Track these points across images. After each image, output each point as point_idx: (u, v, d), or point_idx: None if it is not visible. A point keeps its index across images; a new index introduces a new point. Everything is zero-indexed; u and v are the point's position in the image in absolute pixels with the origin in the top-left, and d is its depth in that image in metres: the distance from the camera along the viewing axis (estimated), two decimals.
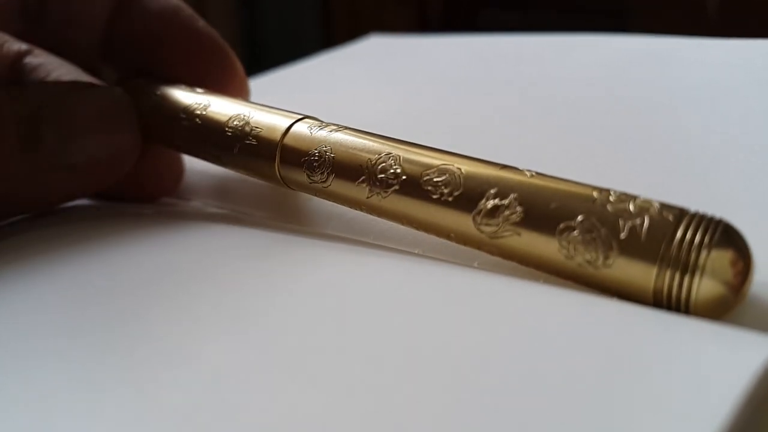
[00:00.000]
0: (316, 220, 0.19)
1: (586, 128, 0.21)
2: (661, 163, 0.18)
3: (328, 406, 0.10)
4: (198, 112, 0.18)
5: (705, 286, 0.11)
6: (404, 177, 0.15)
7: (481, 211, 0.13)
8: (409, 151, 0.15)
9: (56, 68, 0.20)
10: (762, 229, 0.12)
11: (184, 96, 0.19)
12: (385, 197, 0.15)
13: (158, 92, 0.20)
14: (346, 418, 0.10)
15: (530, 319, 0.12)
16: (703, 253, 0.11)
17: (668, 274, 0.12)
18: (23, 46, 0.20)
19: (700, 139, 0.18)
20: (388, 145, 0.15)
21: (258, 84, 0.22)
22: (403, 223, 0.15)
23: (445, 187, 0.14)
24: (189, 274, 0.15)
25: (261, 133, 0.17)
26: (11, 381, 0.12)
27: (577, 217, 0.12)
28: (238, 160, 0.18)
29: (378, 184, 0.15)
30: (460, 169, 0.14)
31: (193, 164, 0.22)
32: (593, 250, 0.12)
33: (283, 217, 0.20)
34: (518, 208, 0.13)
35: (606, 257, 0.12)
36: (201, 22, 0.21)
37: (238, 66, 0.21)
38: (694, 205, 0.12)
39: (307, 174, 0.16)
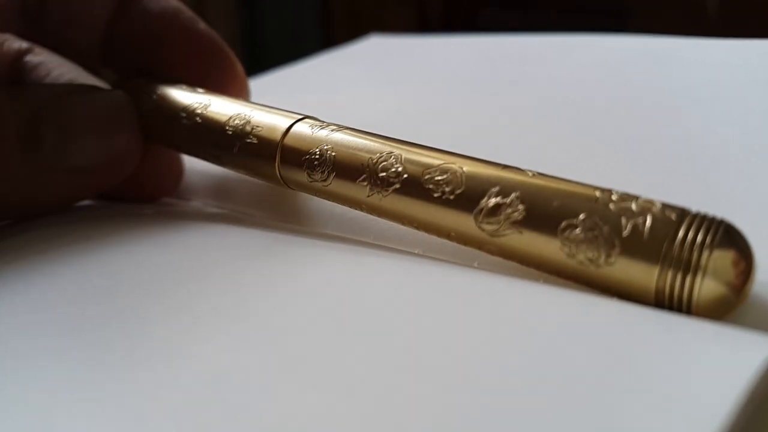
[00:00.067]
0: (316, 220, 0.19)
1: (586, 128, 0.21)
2: (661, 163, 0.18)
3: (328, 407, 0.10)
4: (198, 111, 0.18)
5: (707, 286, 0.11)
6: (405, 176, 0.15)
7: (482, 209, 0.13)
8: (411, 150, 0.15)
9: (56, 67, 0.20)
10: (762, 229, 0.12)
11: (184, 96, 0.19)
12: (386, 196, 0.15)
13: (158, 92, 0.20)
14: (346, 418, 0.10)
15: (530, 318, 0.12)
16: (705, 253, 0.11)
17: (670, 273, 0.12)
18: (24, 45, 0.20)
19: (700, 139, 0.18)
20: (389, 144, 0.15)
21: (258, 84, 0.22)
22: (403, 223, 0.15)
23: (447, 186, 0.14)
24: (189, 274, 0.15)
25: (261, 133, 0.17)
26: (11, 380, 0.12)
27: (579, 215, 0.12)
28: (238, 159, 0.18)
29: (379, 182, 0.15)
30: (461, 168, 0.14)
31: (193, 164, 0.22)
32: (595, 249, 0.12)
33: (283, 217, 0.20)
34: (520, 207, 0.13)
35: (608, 255, 0.12)
36: (201, 24, 0.21)
37: (239, 67, 0.21)
38: (694, 205, 0.12)
39: (307, 173, 0.16)
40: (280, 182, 0.17)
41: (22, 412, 0.11)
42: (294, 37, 1.16)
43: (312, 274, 0.14)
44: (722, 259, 0.11)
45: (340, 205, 0.16)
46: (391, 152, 0.15)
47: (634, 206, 0.12)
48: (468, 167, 0.14)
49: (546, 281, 0.13)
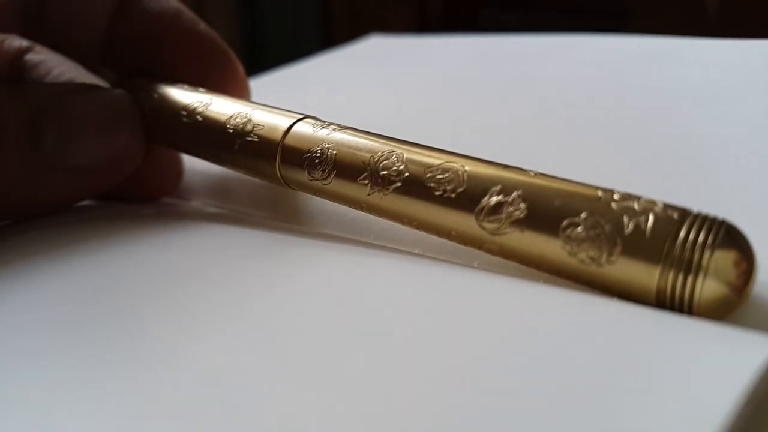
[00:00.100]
0: (315, 220, 0.19)
1: (585, 128, 0.21)
2: (661, 163, 0.18)
3: (327, 407, 0.10)
4: (199, 110, 0.18)
5: (708, 287, 0.11)
6: (407, 174, 0.14)
7: (483, 208, 0.13)
8: (412, 150, 0.15)
9: (57, 65, 0.20)
10: (762, 229, 0.12)
11: (185, 95, 0.19)
12: (387, 194, 0.15)
13: (158, 91, 0.20)
14: (346, 419, 0.10)
15: (530, 318, 0.12)
16: (707, 254, 0.11)
17: (671, 273, 0.11)
18: (24, 43, 0.20)
19: (700, 139, 0.18)
20: (390, 144, 0.15)
21: (258, 84, 0.22)
22: (403, 223, 0.15)
23: (448, 184, 0.14)
24: (189, 274, 0.15)
25: (262, 131, 0.17)
26: (11, 379, 0.12)
27: (581, 214, 0.12)
28: (238, 158, 0.18)
29: (380, 181, 0.15)
30: (463, 167, 0.14)
31: (193, 164, 0.22)
32: (597, 247, 0.12)
33: (282, 217, 0.20)
34: (522, 205, 0.13)
35: (610, 254, 0.12)
36: (202, 24, 0.21)
37: (239, 68, 0.21)
38: (694, 205, 0.12)
39: (307, 171, 0.16)
40: (280, 181, 0.17)
41: (22, 410, 0.11)
42: (294, 37, 1.16)
43: (311, 273, 0.14)
44: (724, 259, 0.11)
45: (339, 206, 0.16)
46: (393, 151, 0.15)
47: (636, 206, 0.12)
48: (470, 166, 0.14)
49: (546, 281, 0.13)
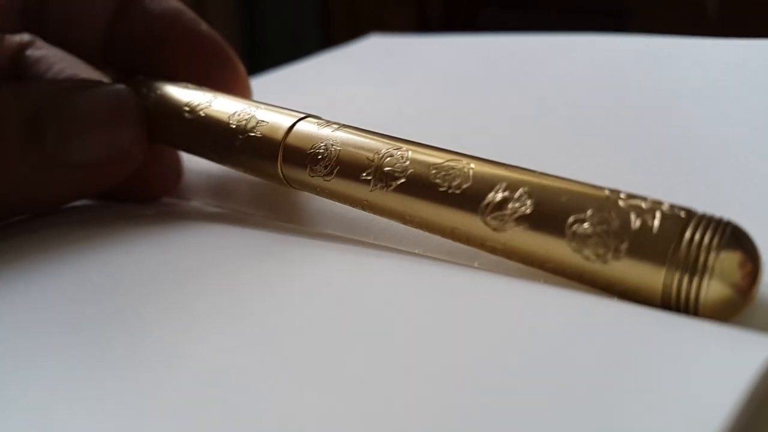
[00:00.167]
0: (316, 220, 0.19)
1: (585, 128, 0.21)
2: (661, 163, 0.18)
3: (327, 407, 0.10)
4: (202, 106, 0.18)
5: (714, 288, 0.11)
6: (411, 170, 0.14)
7: (489, 204, 0.13)
8: (417, 149, 0.15)
9: (58, 61, 0.20)
10: (762, 229, 0.12)
11: (187, 92, 0.19)
12: (390, 191, 0.15)
13: (160, 89, 0.20)
14: (345, 419, 0.10)
15: (530, 318, 0.12)
16: (713, 255, 0.11)
17: (677, 274, 0.11)
18: (25, 38, 0.20)
19: (700, 139, 0.18)
20: (395, 142, 0.15)
21: (258, 84, 0.22)
22: (405, 220, 0.15)
23: (453, 181, 0.14)
24: (189, 274, 0.15)
25: (265, 128, 0.17)
26: (11, 379, 0.12)
27: (587, 210, 0.12)
28: (239, 156, 0.18)
29: (384, 177, 0.15)
30: (469, 164, 0.14)
31: (193, 164, 0.22)
32: (603, 244, 0.12)
33: (283, 216, 0.20)
34: (528, 201, 0.13)
35: (616, 251, 0.12)
36: (203, 24, 0.21)
37: (241, 68, 0.21)
38: (693, 205, 0.12)
39: (309, 168, 0.16)
40: (281, 179, 0.17)
41: (22, 410, 0.11)
42: (294, 37, 1.16)
43: (311, 273, 0.14)
44: (729, 260, 0.11)
45: (340, 205, 0.16)
46: (399, 148, 0.15)
47: (643, 205, 0.12)
48: (475, 164, 0.14)
49: (547, 281, 0.13)
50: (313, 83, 0.31)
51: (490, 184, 0.13)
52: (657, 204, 0.12)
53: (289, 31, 1.17)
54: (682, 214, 0.12)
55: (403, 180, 0.14)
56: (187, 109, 0.19)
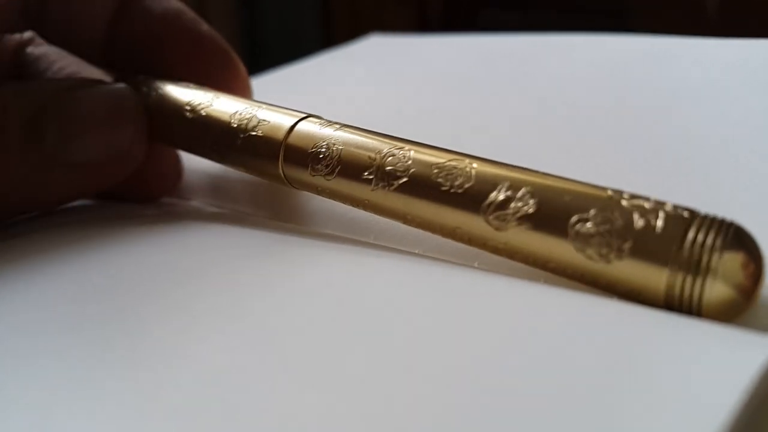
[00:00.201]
0: (316, 219, 0.19)
1: (585, 128, 0.21)
2: (661, 163, 0.18)
3: (327, 407, 0.10)
4: (204, 105, 0.18)
5: (716, 289, 0.11)
6: (413, 170, 0.14)
7: (491, 203, 0.13)
8: (420, 148, 0.15)
9: (59, 59, 0.20)
10: (763, 229, 0.12)
11: (188, 91, 0.19)
12: (392, 190, 0.15)
13: (161, 88, 0.20)
14: (346, 419, 0.10)
15: (530, 318, 0.12)
16: (715, 255, 0.11)
17: (680, 275, 0.11)
18: (25, 35, 0.20)
19: (700, 139, 0.18)
20: (397, 142, 0.15)
21: (258, 84, 0.22)
22: (407, 220, 0.15)
23: (456, 180, 0.14)
24: (189, 274, 0.15)
25: (267, 127, 0.17)
26: (11, 380, 0.12)
27: (590, 210, 0.12)
28: (240, 154, 0.17)
29: (385, 176, 0.15)
30: (472, 164, 0.14)
31: (193, 164, 0.22)
32: (606, 243, 0.12)
33: (283, 216, 0.20)
34: (531, 201, 0.13)
35: (619, 250, 0.12)
36: (203, 24, 0.21)
37: (241, 68, 0.21)
38: (693, 205, 0.12)
39: (311, 167, 0.16)
40: (282, 179, 0.17)
41: (22, 410, 0.11)
42: (294, 37, 1.16)
43: (311, 273, 0.14)
44: (732, 261, 0.11)
45: (340, 205, 0.16)
46: (401, 148, 0.15)
47: (646, 205, 0.12)
48: (478, 164, 0.14)
49: (547, 282, 0.13)
50: (313, 83, 0.31)
51: (492, 184, 0.13)
52: (660, 204, 0.12)
53: (289, 31, 1.17)
54: (686, 214, 0.12)
55: (405, 179, 0.14)
56: (188, 108, 0.18)
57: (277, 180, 0.17)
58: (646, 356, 0.10)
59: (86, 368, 0.12)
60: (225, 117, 0.18)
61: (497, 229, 0.13)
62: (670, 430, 0.09)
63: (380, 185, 0.15)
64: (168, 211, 0.21)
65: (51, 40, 0.21)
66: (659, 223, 0.12)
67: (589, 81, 0.24)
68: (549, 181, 0.13)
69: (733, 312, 0.11)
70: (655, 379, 0.10)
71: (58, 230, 0.18)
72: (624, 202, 0.12)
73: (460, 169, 0.14)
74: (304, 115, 0.17)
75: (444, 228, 0.14)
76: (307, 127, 0.17)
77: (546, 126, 0.21)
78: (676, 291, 0.12)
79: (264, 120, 0.17)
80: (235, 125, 0.17)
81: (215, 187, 0.22)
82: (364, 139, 0.15)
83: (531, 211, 0.13)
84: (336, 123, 0.16)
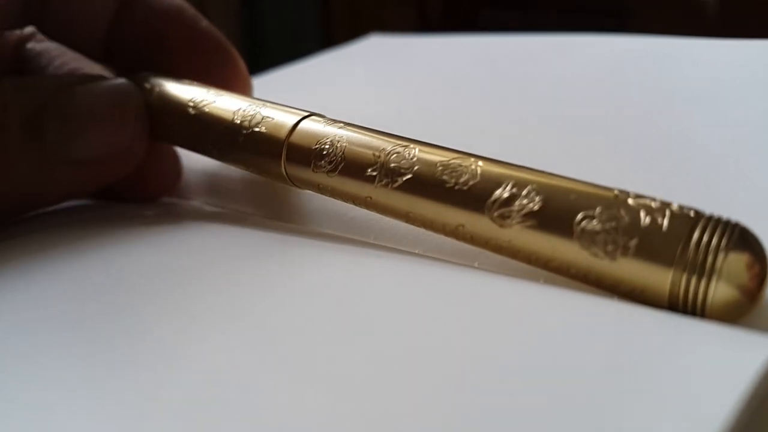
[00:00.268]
0: (316, 219, 0.19)
1: (585, 128, 0.21)
2: (661, 162, 0.18)
3: (327, 407, 0.10)
4: (207, 102, 0.18)
5: (721, 290, 0.11)
6: (418, 167, 0.14)
7: (496, 200, 0.13)
8: (425, 147, 0.15)
9: (60, 55, 0.20)
10: (763, 229, 0.12)
11: (191, 89, 0.19)
12: (395, 187, 0.14)
13: (162, 85, 0.20)
14: (345, 419, 0.10)
15: (531, 318, 0.12)
16: (720, 256, 0.11)
17: (685, 275, 0.11)
18: (26, 31, 0.20)
19: (700, 139, 0.18)
20: (402, 140, 0.15)
21: (258, 83, 0.23)
22: (409, 218, 0.15)
23: (461, 177, 0.14)
24: (189, 273, 0.15)
25: (270, 123, 0.17)
26: (11, 379, 0.12)
27: (596, 208, 0.12)
28: (243, 152, 0.17)
29: (389, 173, 0.15)
30: (476, 162, 0.14)
31: (193, 163, 0.22)
32: (612, 241, 0.12)
33: (282, 216, 0.20)
34: (536, 198, 0.13)
35: (625, 247, 0.12)
36: (204, 22, 0.21)
37: (242, 65, 0.21)
38: (694, 205, 0.12)
39: (314, 164, 0.16)
40: (284, 176, 0.17)
41: (22, 410, 0.11)
42: (294, 37, 1.16)
43: (311, 273, 0.14)
44: (737, 262, 0.11)
45: (340, 206, 0.16)
46: (405, 146, 0.15)
47: (652, 204, 0.12)
48: (483, 163, 0.14)
49: (547, 282, 0.13)
50: (313, 83, 0.31)
51: (497, 182, 0.13)
52: (666, 204, 0.12)
53: (289, 31, 1.17)
54: (692, 213, 0.12)
55: (409, 176, 0.14)
56: (191, 104, 0.18)
57: (279, 177, 0.17)
58: (646, 356, 0.10)
59: (86, 367, 0.12)
60: (228, 114, 0.18)
61: (501, 226, 0.13)
62: (671, 429, 0.09)
63: (384, 182, 0.15)
64: (168, 211, 0.21)
65: (52, 36, 0.21)
66: (665, 221, 0.12)
67: (589, 81, 0.24)
68: (555, 181, 0.13)
69: (737, 312, 0.11)
70: (655, 378, 0.10)
71: (58, 230, 0.18)
72: (630, 201, 0.12)
73: (465, 166, 0.14)
74: (308, 114, 0.17)
75: (447, 226, 0.14)
76: (311, 124, 0.16)
77: (546, 126, 0.21)
78: (681, 291, 0.12)
79: (267, 117, 0.17)
80: (238, 122, 0.17)
81: (215, 187, 0.22)
82: (368, 136, 0.15)
83: (536, 208, 0.13)
84: (340, 121, 0.16)
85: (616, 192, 0.12)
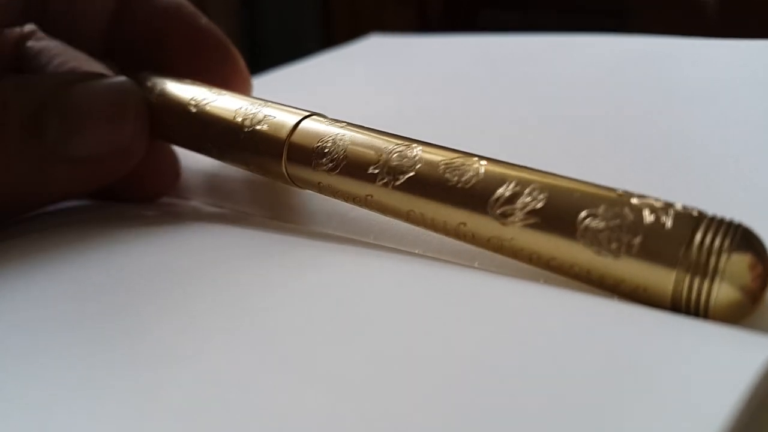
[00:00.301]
0: (316, 219, 0.19)
1: (585, 128, 0.21)
2: (661, 163, 0.18)
3: (327, 407, 0.10)
4: (208, 100, 0.18)
5: (724, 290, 0.11)
6: (420, 165, 0.14)
7: (499, 198, 0.13)
8: (427, 146, 0.15)
9: (60, 53, 0.20)
10: (762, 229, 0.12)
11: (192, 88, 0.19)
12: (397, 185, 0.14)
13: (163, 84, 0.20)
14: (345, 419, 0.10)
15: (531, 318, 0.12)
16: (723, 256, 0.11)
17: (688, 275, 0.11)
18: (26, 29, 0.20)
19: (700, 139, 0.18)
20: (403, 140, 0.15)
21: (258, 83, 0.23)
22: (410, 217, 0.15)
23: (464, 175, 0.14)
24: (189, 273, 0.15)
25: (272, 122, 0.17)
26: (11, 379, 0.12)
27: (600, 206, 0.12)
28: (243, 152, 0.17)
29: (391, 171, 0.15)
30: (480, 161, 0.14)
31: (193, 163, 0.22)
32: (616, 239, 0.12)
33: (283, 216, 0.20)
34: (540, 196, 0.13)
35: (629, 245, 0.12)
36: (204, 19, 0.21)
37: (241, 63, 0.21)
38: (693, 205, 0.12)
39: (315, 162, 0.16)
40: (285, 176, 0.17)
41: (22, 410, 0.11)
42: (294, 37, 1.16)
43: (312, 274, 0.14)
44: (740, 262, 0.11)
45: (340, 206, 0.16)
46: (408, 146, 0.15)
47: (656, 203, 0.12)
48: (486, 162, 0.14)
49: (547, 282, 0.13)
50: (314, 83, 0.31)
51: (500, 180, 0.13)
52: (669, 204, 0.12)
53: (289, 31, 1.17)
54: (695, 213, 0.12)
55: (411, 174, 0.14)
56: (192, 103, 0.18)
57: (279, 177, 0.17)
58: (646, 356, 0.10)
59: (86, 367, 0.12)
60: (229, 113, 0.18)
61: (503, 224, 0.13)
62: (671, 429, 0.09)
63: (385, 180, 0.15)
64: (167, 211, 0.21)
65: (52, 34, 0.21)
66: (669, 220, 0.12)
67: (589, 81, 0.24)
68: (558, 180, 0.13)
69: (740, 313, 0.11)
70: (655, 378, 0.10)
71: (58, 230, 0.18)
72: (634, 200, 0.12)
73: (468, 165, 0.14)
74: (309, 113, 0.17)
75: (448, 224, 0.14)
76: (312, 124, 0.16)
77: (546, 126, 0.21)
78: (684, 291, 0.12)
79: (269, 116, 0.17)
80: (239, 121, 0.17)
81: (215, 187, 0.22)
82: (370, 135, 0.15)
83: (539, 206, 0.13)
84: (341, 121, 0.16)
85: (619, 191, 0.12)
